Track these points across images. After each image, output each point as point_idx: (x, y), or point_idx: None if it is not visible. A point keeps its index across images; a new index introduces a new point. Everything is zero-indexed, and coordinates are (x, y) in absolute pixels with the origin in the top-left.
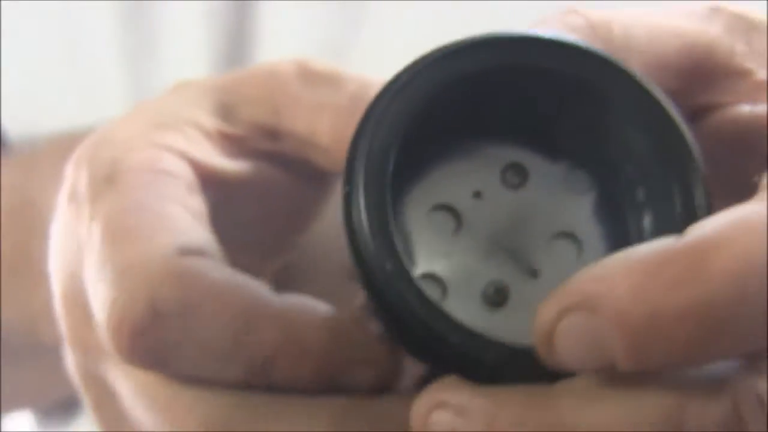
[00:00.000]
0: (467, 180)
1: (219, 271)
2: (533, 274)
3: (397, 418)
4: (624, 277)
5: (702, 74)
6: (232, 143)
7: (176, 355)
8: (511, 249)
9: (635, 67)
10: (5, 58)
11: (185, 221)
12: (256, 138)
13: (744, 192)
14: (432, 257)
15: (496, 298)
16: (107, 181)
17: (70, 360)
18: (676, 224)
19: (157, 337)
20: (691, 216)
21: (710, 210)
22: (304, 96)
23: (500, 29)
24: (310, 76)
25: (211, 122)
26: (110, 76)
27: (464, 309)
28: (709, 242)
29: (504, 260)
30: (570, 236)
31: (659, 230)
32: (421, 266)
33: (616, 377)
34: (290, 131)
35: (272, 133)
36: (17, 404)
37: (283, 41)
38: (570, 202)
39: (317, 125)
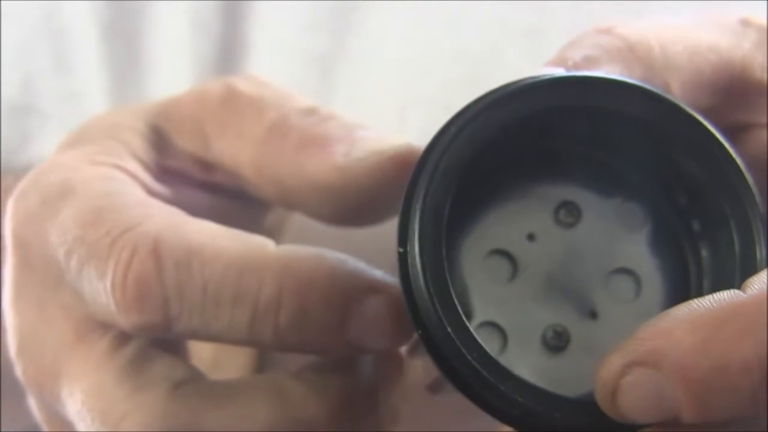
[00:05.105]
0: (521, 222)
1: (213, 224)
2: (592, 315)
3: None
4: (688, 332)
5: (737, 91)
6: (167, 174)
7: (181, 302)
8: (567, 290)
9: (675, 85)
10: None
11: (156, 203)
12: (190, 170)
13: None
14: (489, 305)
15: (557, 342)
16: (61, 197)
17: (31, 399)
18: (736, 259)
19: (161, 282)
20: (751, 254)
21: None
22: (229, 124)
23: (545, 72)
24: (234, 101)
25: (145, 152)
26: (96, 86)
27: (526, 356)
28: None
29: (561, 302)
30: (627, 272)
31: (718, 262)
32: (479, 315)
33: (682, 428)
34: (219, 162)
35: (204, 164)
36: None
37: (271, 50)
38: (625, 238)
39: (239, 156)
